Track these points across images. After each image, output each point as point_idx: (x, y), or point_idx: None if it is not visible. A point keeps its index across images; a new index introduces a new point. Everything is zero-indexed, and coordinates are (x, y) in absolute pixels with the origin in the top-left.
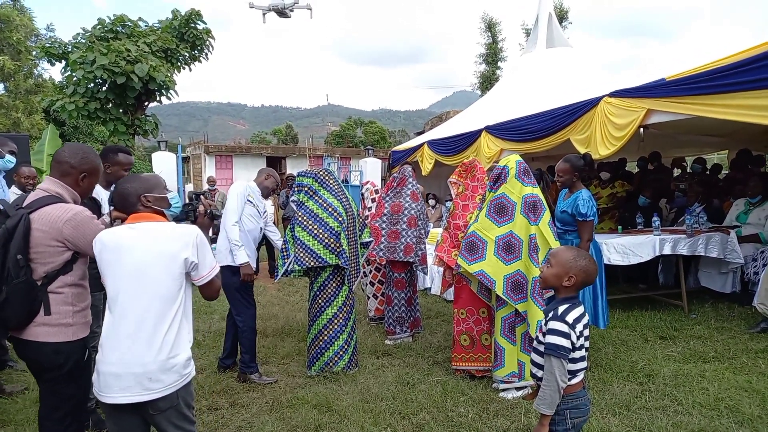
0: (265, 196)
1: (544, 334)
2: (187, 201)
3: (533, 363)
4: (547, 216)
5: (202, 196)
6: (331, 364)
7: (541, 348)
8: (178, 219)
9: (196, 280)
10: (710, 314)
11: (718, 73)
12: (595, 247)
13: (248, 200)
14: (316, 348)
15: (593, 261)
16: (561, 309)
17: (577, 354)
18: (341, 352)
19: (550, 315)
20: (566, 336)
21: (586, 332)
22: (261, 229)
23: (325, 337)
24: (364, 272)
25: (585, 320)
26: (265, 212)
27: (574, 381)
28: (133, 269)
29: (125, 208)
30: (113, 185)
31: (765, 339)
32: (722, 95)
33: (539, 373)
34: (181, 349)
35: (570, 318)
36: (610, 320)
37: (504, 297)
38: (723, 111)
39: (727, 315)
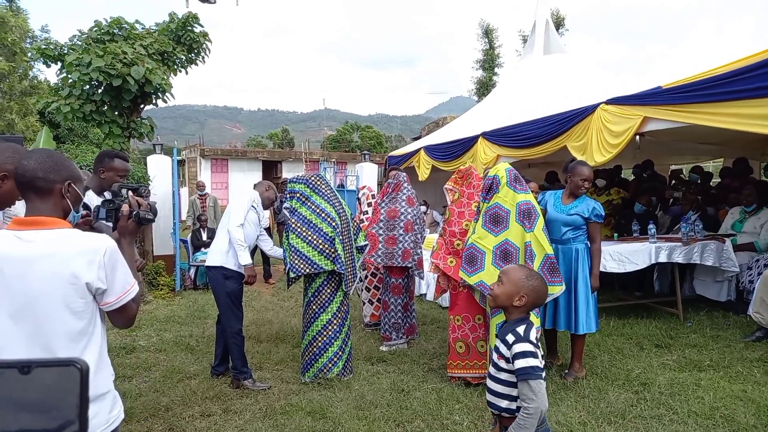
0: (266, 207)
1: (507, 360)
2: (113, 197)
3: (492, 393)
4: (540, 222)
5: (131, 192)
6: (325, 370)
7: (503, 375)
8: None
9: (103, 305)
10: (705, 322)
11: (714, 82)
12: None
13: (253, 206)
14: (311, 354)
15: (543, 281)
16: (521, 330)
17: None
18: (335, 359)
19: (512, 339)
20: (536, 356)
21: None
22: (258, 236)
23: (320, 344)
24: (359, 278)
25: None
26: (262, 224)
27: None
28: (22, 303)
29: (30, 196)
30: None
31: (760, 348)
32: (718, 104)
33: (502, 404)
34: (102, 388)
35: (533, 337)
36: (606, 328)
37: None
38: (719, 119)
39: (722, 323)
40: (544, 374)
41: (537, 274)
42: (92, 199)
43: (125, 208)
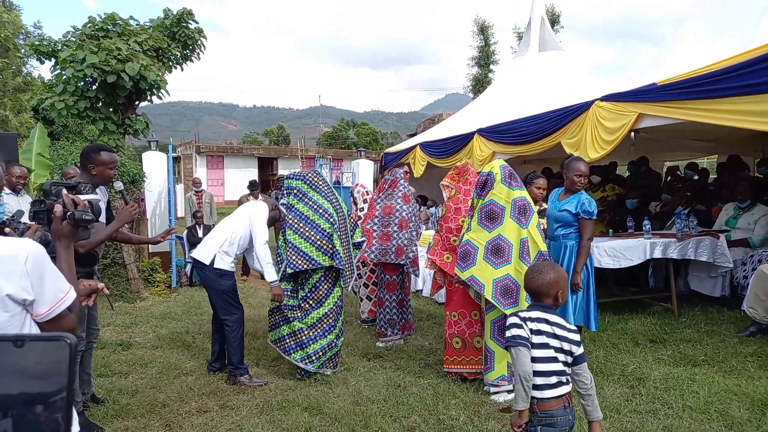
0: (270, 225)
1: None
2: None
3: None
4: (535, 219)
5: (65, 190)
6: (313, 357)
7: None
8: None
9: (35, 317)
10: (700, 318)
11: (708, 79)
12: None
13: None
14: (301, 338)
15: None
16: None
17: (533, 353)
18: (326, 349)
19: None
20: (518, 326)
21: (549, 340)
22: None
23: (310, 334)
24: (358, 273)
25: (541, 326)
26: None
27: (547, 395)
28: None
29: None
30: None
31: (754, 342)
32: (712, 100)
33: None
34: None
35: (522, 314)
36: (601, 323)
37: (493, 301)
38: (713, 116)
39: (716, 318)
40: (526, 344)
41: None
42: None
43: (58, 208)
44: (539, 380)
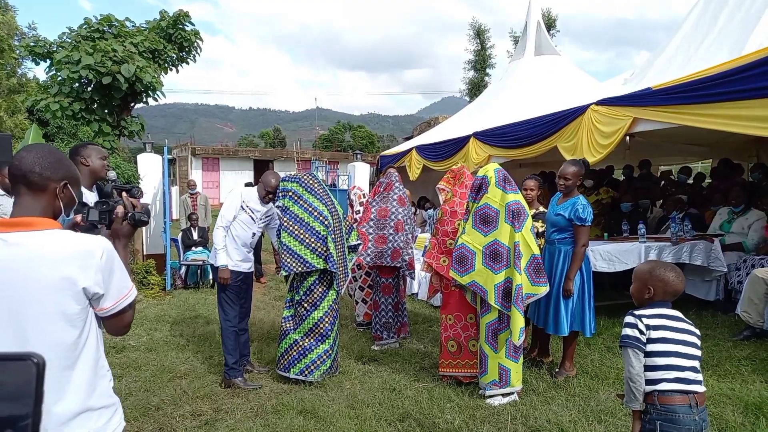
0: (262, 200)
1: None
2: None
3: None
4: (529, 222)
5: (124, 193)
6: (312, 367)
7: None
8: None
9: (99, 311)
10: (694, 321)
11: (702, 84)
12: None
13: (242, 207)
14: (298, 351)
15: (673, 268)
16: (636, 310)
17: (650, 348)
18: (324, 357)
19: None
20: (632, 326)
21: (669, 334)
22: (254, 234)
23: (308, 342)
24: (354, 276)
25: (661, 321)
26: (270, 215)
27: (667, 387)
28: (6, 310)
29: (21, 192)
30: (95, 184)
31: (748, 346)
32: (707, 105)
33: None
34: (102, 401)
35: (638, 312)
36: (597, 327)
37: (497, 306)
38: (707, 120)
39: (711, 322)
40: (641, 346)
41: (668, 265)
42: (87, 196)
43: (120, 209)
44: (656, 375)
